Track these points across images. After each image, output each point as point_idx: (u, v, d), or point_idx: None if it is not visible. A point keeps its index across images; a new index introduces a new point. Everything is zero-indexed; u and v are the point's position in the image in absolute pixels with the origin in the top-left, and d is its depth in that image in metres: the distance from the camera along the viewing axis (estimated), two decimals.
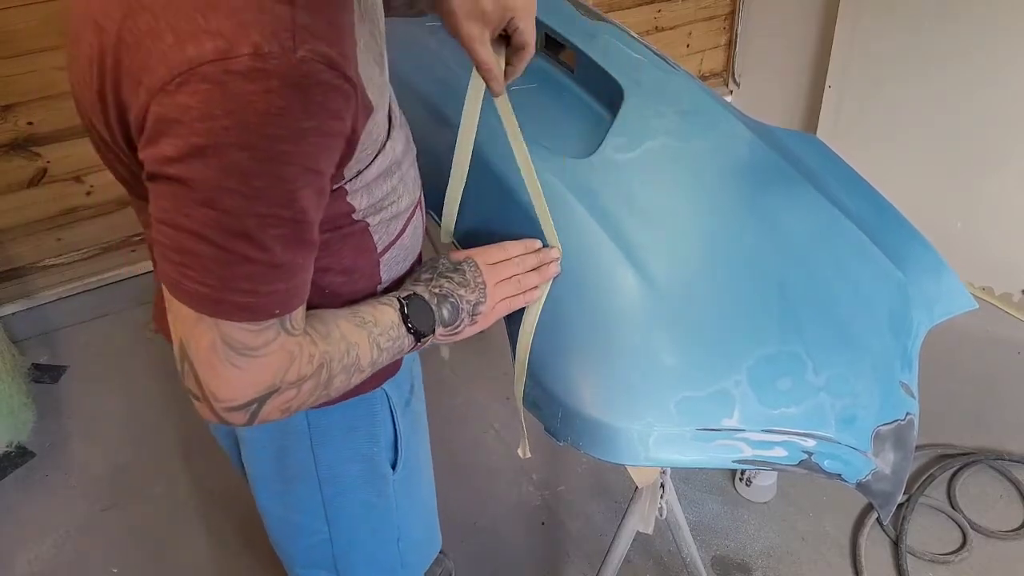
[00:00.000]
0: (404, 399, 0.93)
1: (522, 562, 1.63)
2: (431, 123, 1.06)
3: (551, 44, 1.26)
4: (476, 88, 0.84)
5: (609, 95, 1.13)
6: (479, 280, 0.81)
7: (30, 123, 2.00)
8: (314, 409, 0.83)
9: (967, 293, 1.04)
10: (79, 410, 2.01)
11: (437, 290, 0.79)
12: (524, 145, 0.88)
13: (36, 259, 2.19)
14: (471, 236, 0.99)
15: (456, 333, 0.81)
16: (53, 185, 2.11)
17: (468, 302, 0.80)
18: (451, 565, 1.61)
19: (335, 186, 0.68)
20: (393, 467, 0.93)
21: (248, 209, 0.54)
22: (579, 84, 1.19)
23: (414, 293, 0.78)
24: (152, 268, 2.35)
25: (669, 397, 0.81)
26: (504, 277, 0.83)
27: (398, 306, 0.76)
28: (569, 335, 0.85)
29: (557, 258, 0.87)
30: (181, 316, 0.59)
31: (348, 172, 0.68)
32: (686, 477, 1.78)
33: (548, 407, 0.84)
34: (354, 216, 0.73)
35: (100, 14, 0.56)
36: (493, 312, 0.83)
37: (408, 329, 0.76)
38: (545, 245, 0.89)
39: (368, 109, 0.62)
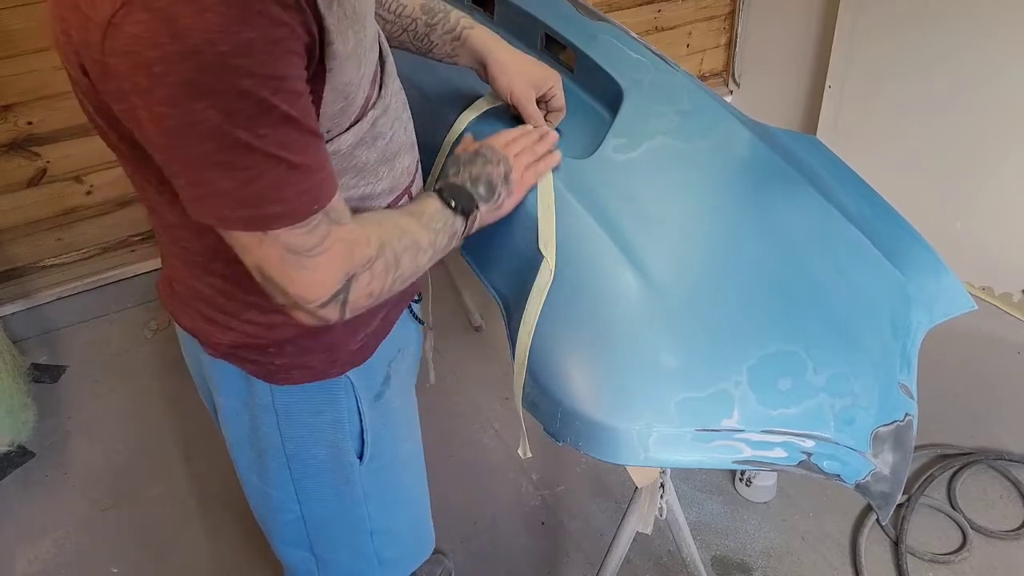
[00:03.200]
0: (374, 391, 0.93)
1: (522, 562, 1.63)
2: (429, 120, 1.07)
3: (551, 44, 1.26)
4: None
5: (609, 95, 1.13)
6: (500, 154, 0.89)
7: (30, 123, 2.00)
8: (277, 386, 0.87)
9: (966, 294, 1.04)
10: (79, 410, 2.01)
11: (467, 175, 0.86)
12: (551, 186, 0.96)
13: (36, 259, 2.19)
14: (468, 239, 0.99)
15: (499, 207, 0.88)
16: (53, 185, 2.11)
17: (499, 175, 0.88)
18: (451, 565, 1.61)
19: None
20: (360, 457, 0.95)
21: (232, 123, 0.56)
22: (579, 84, 1.19)
23: (448, 181, 0.85)
24: (152, 268, 2.33)
25: (668, 398, 0.81)
26: (519, 151, 0.91)
27: (436, 194, 0.83)
28: (568, 335, 0.85)
29: (549, 128, 0.99)
30: (242, 244, 0.64)
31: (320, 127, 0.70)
32: (686, 477, 1.78)
33: (547, 408, 0.84)
34: None
35: None
36: (523, 179, 0.91)
37: (453, 210, 0.83)
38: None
39: (320, 32, 0.63)
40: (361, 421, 0.93)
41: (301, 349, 0.84)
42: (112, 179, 2.18)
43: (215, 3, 0.53)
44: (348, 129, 0.73)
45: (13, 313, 2.18)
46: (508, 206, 0.90)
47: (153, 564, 1.65)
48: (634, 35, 1.27)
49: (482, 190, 0.86)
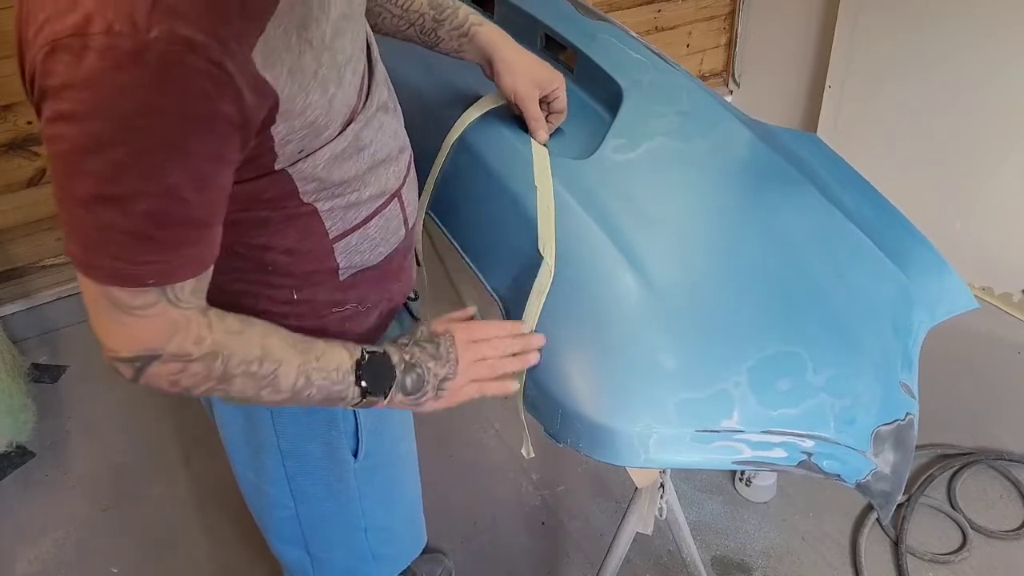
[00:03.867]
0: None
1: (522, 562, 1.63)
2: (427, 121, 1.07)
3: (551, 44, 1.26)
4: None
5: (609, 95, 1.13)
6: (452, 356, 0.81)
7: (29, 123, 2.00)
8: None
9: (969, 292, 1.03)
10: (79, 410, 2.01)
11: (408, 357, 0.79)
12: (551, 187, 0.94)
13: (36, 259, 2.19)
14: (468, 240, 0.99)
15: (418, 404, 0.81)
16: None
17: (436, 376, 0.80)
18: (451, 565, 1.61)
19: (277, 167, 0.69)
20: (355, 455, 0.95)
21: (112, 178, 0.56)
22: (578, 84, 1.19)
23: (384, 352, 0.78)
24: None
25: (668, 398, 0.81)
26: (480, 358, 0.83)
27: (357, 355, 0.76)
28: (568, 337, 0.85)
29: (540, 346, 0.85)
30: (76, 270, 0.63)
31: (285, 153, 0.68)
32: (686, 477, 1.78)
33: (548, 409, 0.84)
34: (302, 198, 0.73)
35: None
36: (461, 392, 0.83)
37: (356, 380, 0.76)
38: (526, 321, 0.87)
39: (266, 97, 0.61)
40: (356, 419, 0.93)
41: None
42: None
43: (129, 64, 0.53)
44: (323, 146, 0.71)
45: (13, 313, 2.18)
46: (427, 408, 0.82)
47: (153, 564, 1.65)
48: (634, 35, 1.27)
49: (409, 382, 0.78)
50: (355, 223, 0.79)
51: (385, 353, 0.78)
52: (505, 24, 1.31)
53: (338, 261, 0.81)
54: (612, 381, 0.83)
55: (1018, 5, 1.95)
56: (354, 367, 0.76)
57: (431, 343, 0.81)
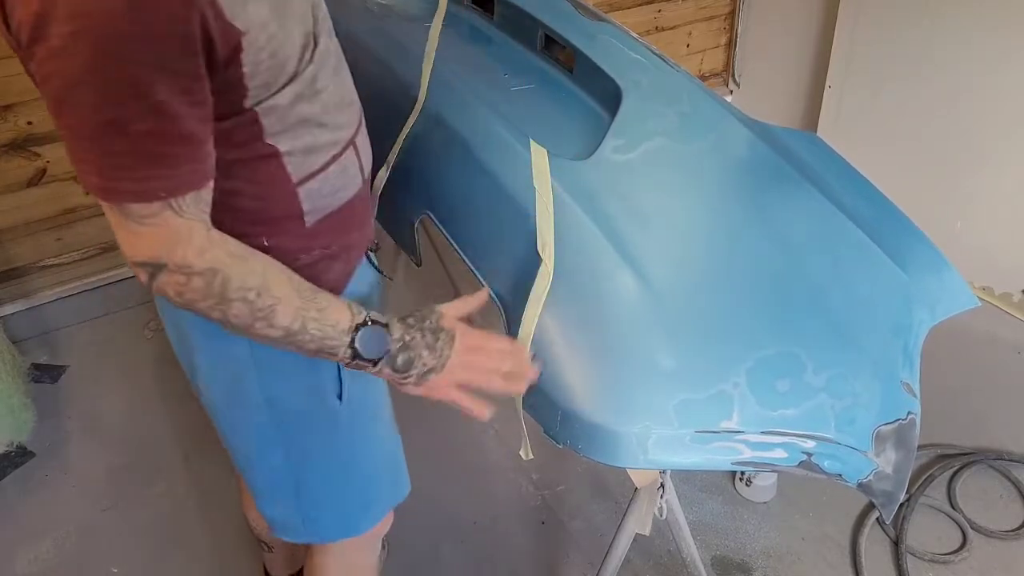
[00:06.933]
0: None
1: (522, 562, 1.63)
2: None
3: (550, 44, 1.26)
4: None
5: (608, 96, 1.13)
6: (445, 354, 0.82)
7: (30, 123, 2.00)
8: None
9: (969, 290, 1.03)
10: (79, 410, 2.01)
11: (408, 338, 0.80)
12: (550, 188, 0.94)
13: (36, 259, 2.19)
14: (467, 241, 0.99)
15: (401, 384, 0.83)
16: (53, 185, 2.11)
17: (424, 365, 0.81)
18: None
19: (246, 105, 0.73)
20: (339, 398, 0.95)
21: (106, 99, 0.62)
22: (578, 84, 1.19)
23: (387, 324, 0.80)
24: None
25: (667, 400, 0.81)
26: (470, 367, 0.83)
27: (359, 319, 0.78)
28: (567, 338, 0.85)
29: (533, 378, 0.86)
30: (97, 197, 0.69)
31: (254, 87, 0.72)
32: (686, 477, 1.78)
33: (547, 410, 0.84)
34: (265, 139, 0.77)
35: None
36: (441, 389, 0.83)
37: (350, 342, 0.78)
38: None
39: (219, 14, 0.65)
40: (338, 363, 0.92)
41: None
42: None
43: None
44: (285, 86, 0.74)
45: (13, 313, 2.18)
46: (408, 391, 0.83)
47: (153, 564, 1.65)
48: (634, 35, 1.27)
49: (400, 361, 0.79)
50: (315, 168, 0.82)
51: (387, 326, 0.80)
52: (505, 25, 1.31)
53: (303, 205, 0.83)
54: (611, 382, 0.83)
55: (1018, 5, 1.95)
56: (351, 329, 0.78)
57: (433, 334, 0.82)
